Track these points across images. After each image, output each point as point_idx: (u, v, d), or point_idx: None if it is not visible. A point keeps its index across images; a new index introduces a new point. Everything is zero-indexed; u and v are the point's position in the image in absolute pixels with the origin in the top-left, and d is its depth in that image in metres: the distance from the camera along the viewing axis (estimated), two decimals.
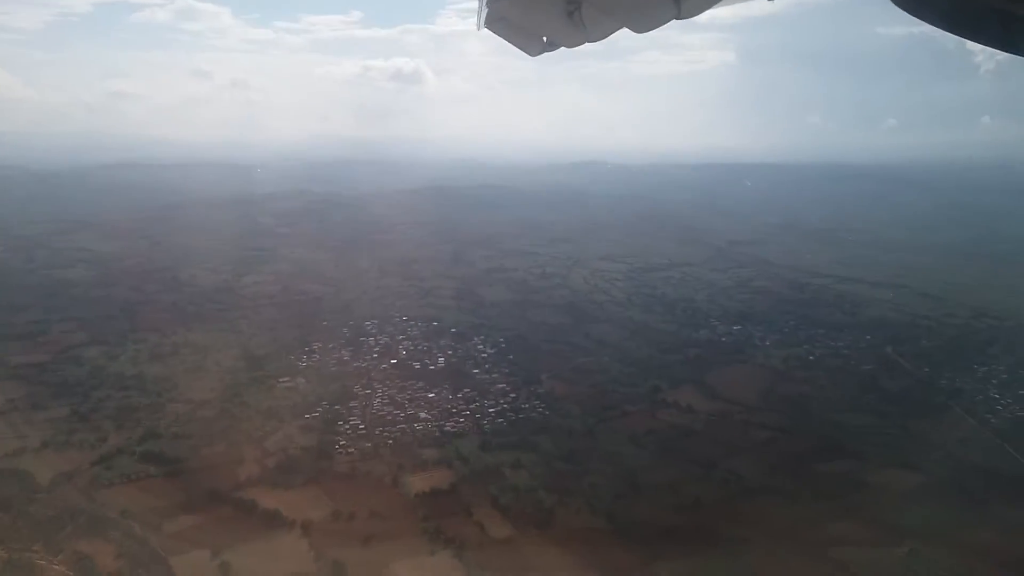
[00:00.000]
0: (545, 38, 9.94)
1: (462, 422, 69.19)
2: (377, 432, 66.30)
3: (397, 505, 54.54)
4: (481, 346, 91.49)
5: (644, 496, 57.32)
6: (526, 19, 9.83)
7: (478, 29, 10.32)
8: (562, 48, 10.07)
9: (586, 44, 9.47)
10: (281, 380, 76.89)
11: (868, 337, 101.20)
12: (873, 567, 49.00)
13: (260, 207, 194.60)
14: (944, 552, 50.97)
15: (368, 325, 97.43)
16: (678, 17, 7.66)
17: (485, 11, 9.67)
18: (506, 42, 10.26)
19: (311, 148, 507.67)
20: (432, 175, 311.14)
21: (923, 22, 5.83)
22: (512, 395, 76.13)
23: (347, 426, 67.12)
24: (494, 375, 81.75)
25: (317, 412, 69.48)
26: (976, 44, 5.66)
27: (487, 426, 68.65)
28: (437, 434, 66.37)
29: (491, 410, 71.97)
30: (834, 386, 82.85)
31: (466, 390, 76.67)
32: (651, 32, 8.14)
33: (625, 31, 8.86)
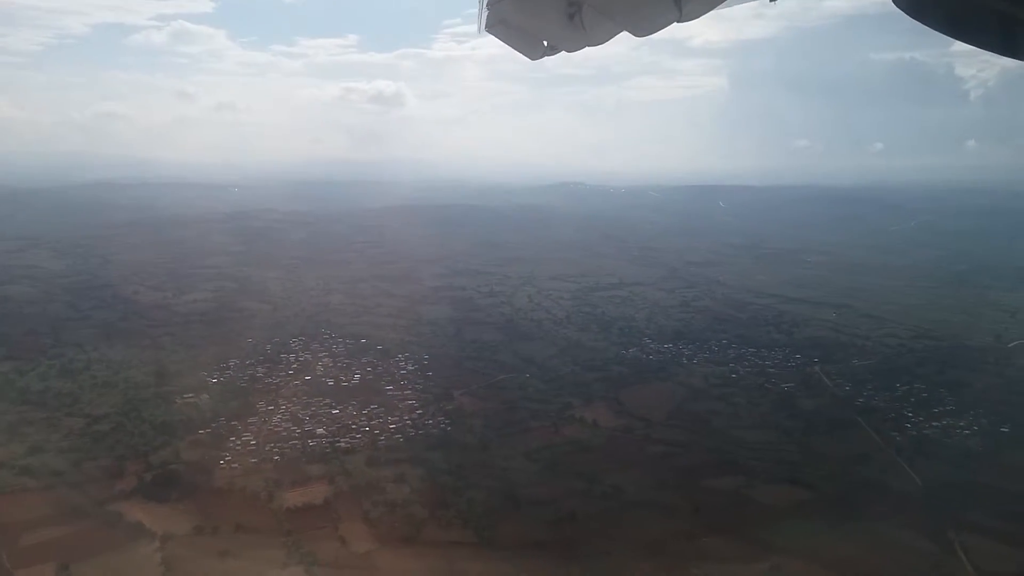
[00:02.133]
0: (546, 41, 9.85)
1: (358, 438, 68.86)
2: (267, 448, 65.95)
3: (265, 520, 54.13)
4: (403, 363, 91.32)
5: (520, 510, 57.00)
6: (527, 22, 9.70)
7: (479, 32, 10.15)
8: (561, 53, 9.92)
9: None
10: (185, 396, 76.51)
11: (798, 356, 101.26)
12: None
13: (223, 226, 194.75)
14: (806, 567, 50.69)
15: (294, 342, 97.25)
16: (679, 20, 7.51)
17: (486, 14, 9.57)
18: (505, 51, 9.93)
19: (301, 169, 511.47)
20: (410, 195, 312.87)
21: (923, 28, 5.76)
22: (419, 411, 75.90)
23: (238, 442, 66.74)
24: (406, 392, 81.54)
25: (211, 428, 69.15)
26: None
27: (382, 442, 68.34)
28: (328, 450, 66.03)
29: (392, 426, 71.70)
30: (747, 403, 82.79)
31: (373, 406, 76.39)
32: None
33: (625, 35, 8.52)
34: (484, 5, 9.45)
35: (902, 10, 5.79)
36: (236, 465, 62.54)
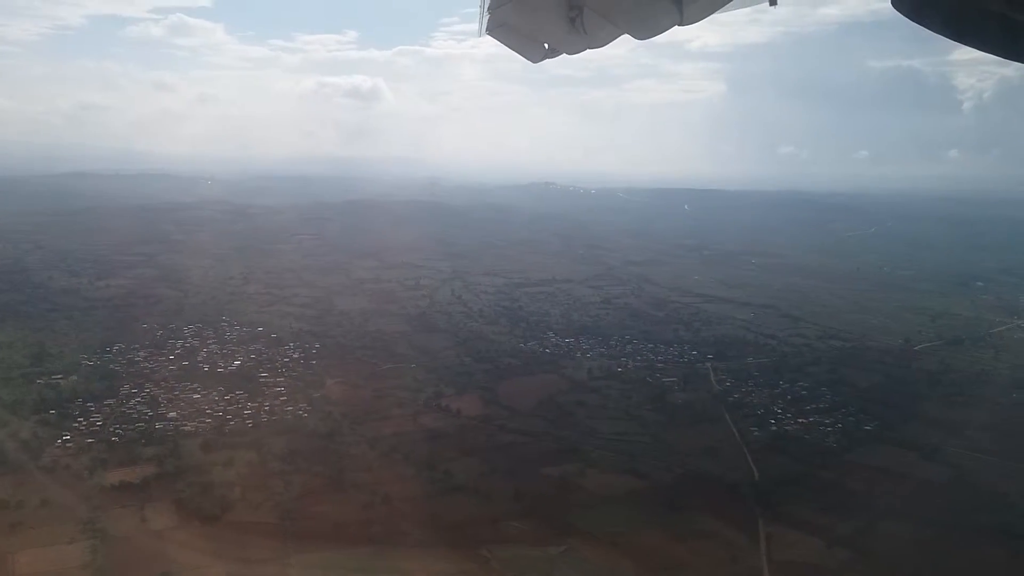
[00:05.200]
0: (547, 44, 9.90)
1: (207, 422, 69.10)
2: (111, 429, 66.24)
3: (74, 497, 54.33)
4: (290, 351, 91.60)
5: (338, 494, 57.30)
6: (528, 25, 9.74)
7: (480, 35, 10.26)
8: (562, 56, 9.96)
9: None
10: (53, 377, 76.77)
11: (695, 352, 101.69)
12: (511, 564, 49.04)
13: (171, 215, 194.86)
14: (599, 552, 51.10)
15: (188, 329, 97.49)
16: (680, 23, 7.47)
17: (487, 17, 9.66)
18: (504, 51, 9.99)
19: (285, 164, 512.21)
20: (379, 190, 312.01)
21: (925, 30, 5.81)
22: (283, 398, 76.14)
23: (84, 422, 66.99)
24: (279, 379, 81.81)
25: (63, 409, 69.28)
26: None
27: (231, 426, 68.62)
28: (171, 433, 66.27)
29: (247, 412, 71.99)
30: (620, 396, 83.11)
31: (238, 392, 76.64)
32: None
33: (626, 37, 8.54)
34: (485, 8, 9.54)
35: (902, 13, 5.80)
36: (71, 444, 62.77)
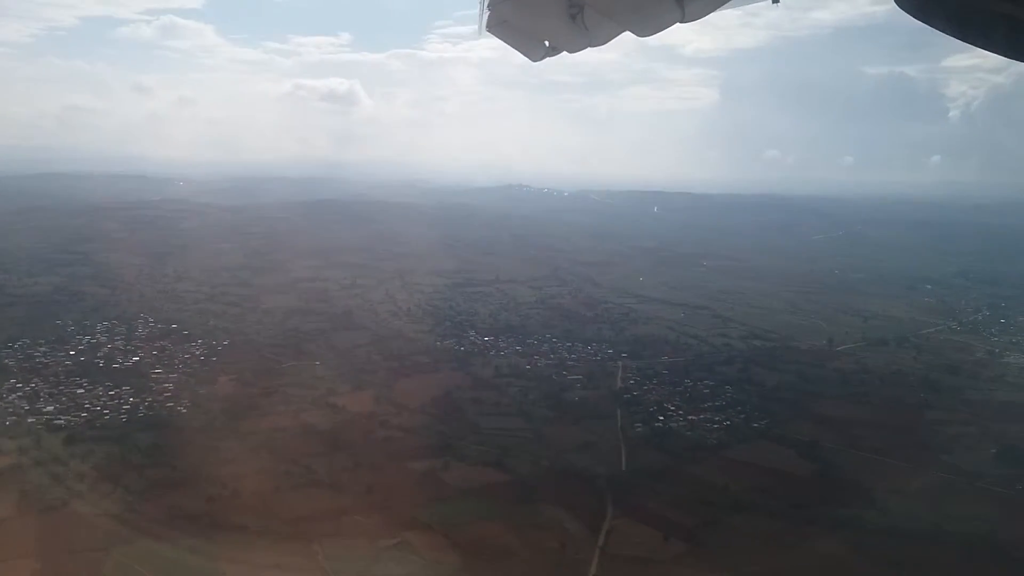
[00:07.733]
0: (547, 42, 9.87)
1: (82, 416, 69.12)
2: None
3: None
4: (195, 348, 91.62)
5: (188, 487, 57.29)
6: (528, 22, 9.71)
7: (480, 33, 10.22)
8: (561, 56, 9.96)
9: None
10: None
11: (610, 351, 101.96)
12: (337, 557, 49.16)
13: (124, 215, 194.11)
14: (430, 544, 51.30)
15: (100, 325, 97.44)
16: (682, 20, 7.41)
17: (487, 15, 9.66)
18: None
19: (269, 167, 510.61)
20: (353, 192, 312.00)
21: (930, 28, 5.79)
22: (167, 394, 76.21)
23: None
24: (172, 375, 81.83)
25: None
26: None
27: (105, 420, 68.71)
28: (40, 426, 66.24)
29: (126, 407, 72.02)
30: (518, 392, 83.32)
31: (126, 387, 76.69)
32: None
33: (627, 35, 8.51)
34: (485, 5, 9.51)
35: (906, 11, 5.79)
36: None
